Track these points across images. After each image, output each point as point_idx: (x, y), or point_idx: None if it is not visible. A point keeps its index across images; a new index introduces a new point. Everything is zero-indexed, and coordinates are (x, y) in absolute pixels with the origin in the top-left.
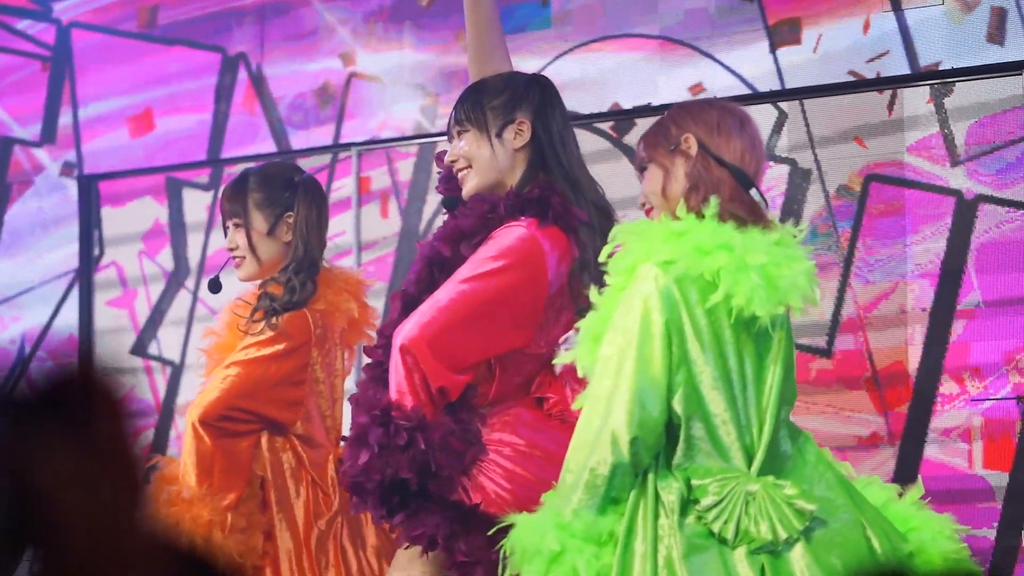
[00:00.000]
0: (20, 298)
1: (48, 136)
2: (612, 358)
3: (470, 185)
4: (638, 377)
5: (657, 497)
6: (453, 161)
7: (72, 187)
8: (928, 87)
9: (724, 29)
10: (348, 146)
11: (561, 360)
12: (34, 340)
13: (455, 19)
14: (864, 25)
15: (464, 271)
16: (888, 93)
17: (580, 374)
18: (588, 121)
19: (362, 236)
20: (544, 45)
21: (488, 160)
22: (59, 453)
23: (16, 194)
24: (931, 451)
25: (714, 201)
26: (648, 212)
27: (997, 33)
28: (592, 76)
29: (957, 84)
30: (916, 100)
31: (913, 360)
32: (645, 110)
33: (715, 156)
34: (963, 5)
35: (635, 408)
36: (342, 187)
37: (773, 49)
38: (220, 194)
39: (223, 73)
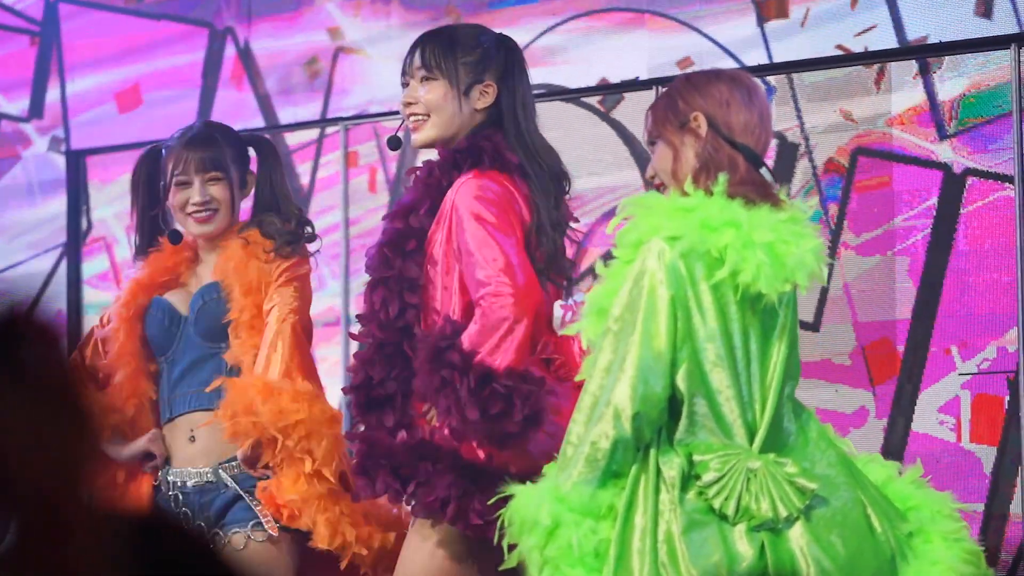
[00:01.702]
0: (7, 273)
1: (36, 111)
2: (616, 332)
3: (426, 135)
4: (642, 351)
5: (658, 472)
6: (410, 104)
7: (60, 162)
8: (916, 61)
9: (712, 2)
10: (336, 121)
11: (566, 332)
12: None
13: None
14: None
15: (478, 235)
16: (876, 67)
17: (584, 346)
18: (576, 96)
19: (350, 210)
20: (531, 19)
21: (452, 115)
22: (3, 402)
23: (3, 169)
24: (919, 425)
25: (723, 178)
26: (658, 187)
27: (985, 7)
28: (579, 50)
29: (945, 58)
30: (904, 74)
31: (901, 334)
32: (632, 84)
33: (725, 136)
34: None
35: (638, 383)
36: (330, 162)
37: (761, 22)
38: (181, 146)
39: (210, 47)
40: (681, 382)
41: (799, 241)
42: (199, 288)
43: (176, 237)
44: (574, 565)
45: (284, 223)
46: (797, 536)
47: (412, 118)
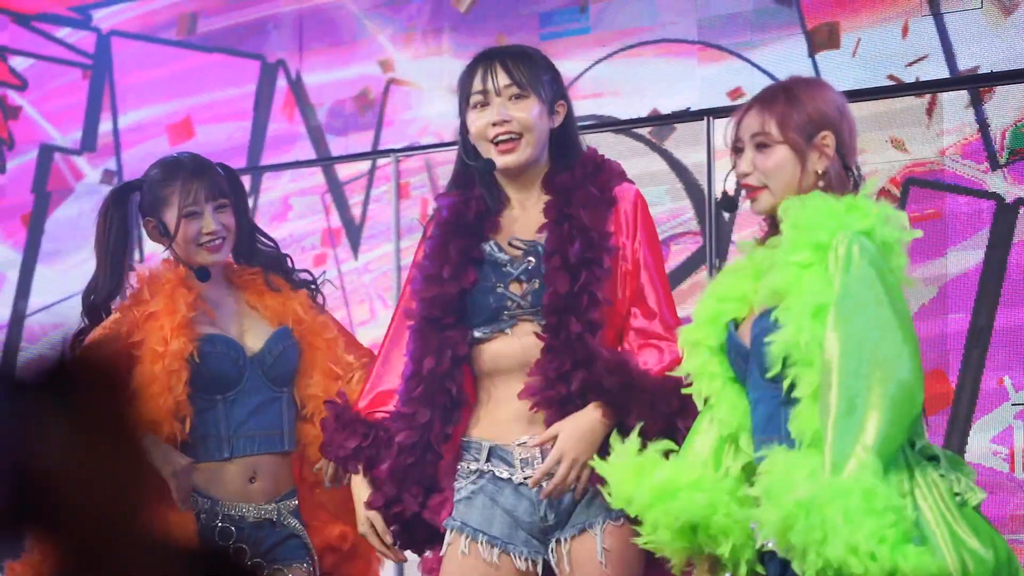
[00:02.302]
0: (61, 305)
1: (88, 144)
2: (868, 323)
3: (522, 155)
4: (906, 334)
5: (917, 460)
6: (505, 122)
7: None
8: (967, 91)
9: (762, 33)
10: (387, 152)
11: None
12: None
13: (493, 24)
14: (903, 29)
15: (651, 254)
16: (927, 97)
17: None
18: (628, 127)
19: (401, 242)
20: (582, 50)
21: (542, 133)
22: (58, 434)
23: (57, 202)
24: (972, 455)
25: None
26: (757, 191)
27: None
28: (631, 81)
29: (997, 88)
30: (955, 104)
31: (953, 364)
32: (684, 115)
33: (845, 161)
34: (1002, 8)
35: (916, 365)
36: (382, 193)
37: (812, 53)
38: (184, 178)
39: (262, 80)
40: None
41: None
42: (274, 332)
43: (205, 274)
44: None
45: (284, 263)
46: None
47: (505, 137)
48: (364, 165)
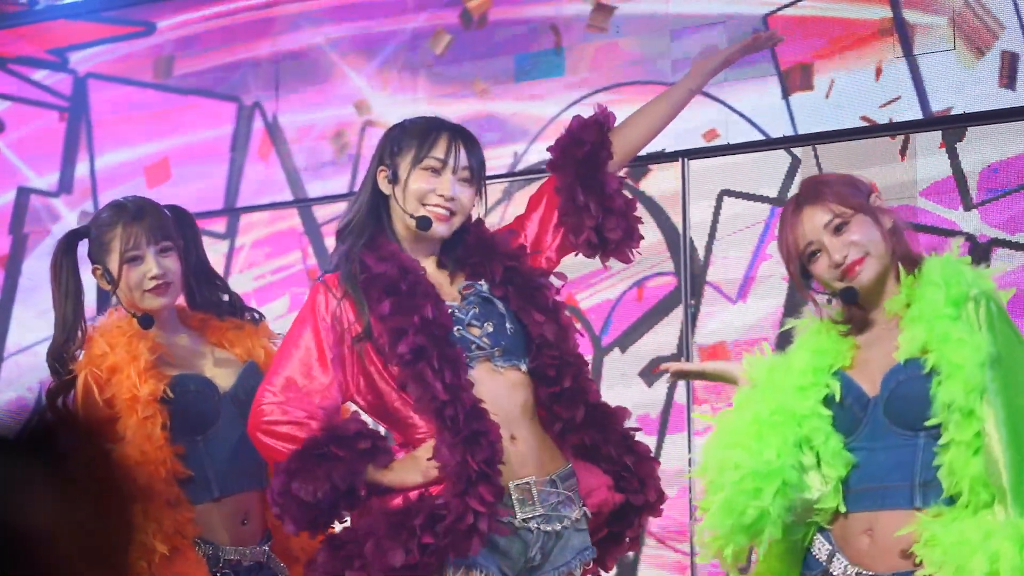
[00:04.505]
0: (38, 347)
1: (65, 186)
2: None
3: (451, 228)
4: None
5: None
6: (452, 199)
7: None
8: (940, 132)
9: (737, 75)
10: None
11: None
12: None
13: (469, 67)
14: (876, 71)
15: None
16: (900, 138)
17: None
18: None
19: None
20: (558, 92)
21: (467, 216)
22: (46, 495)
23: (34, 244)
24: None
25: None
26: (857, 262)
27: (1009, 78)
28: None
29: (969, 129)
30: (929, 145)
31: None
32: (659, 156)
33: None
34: (975, 50)
35: None
36: None
37: (786, 95)
38: (126, 221)
39: (239, 122)
40: None
41: None
42: (243, 367)
43: (148, 322)
44: None
45: (238, 304)
46: None
47: (442, 210)
48: (341, 207)
